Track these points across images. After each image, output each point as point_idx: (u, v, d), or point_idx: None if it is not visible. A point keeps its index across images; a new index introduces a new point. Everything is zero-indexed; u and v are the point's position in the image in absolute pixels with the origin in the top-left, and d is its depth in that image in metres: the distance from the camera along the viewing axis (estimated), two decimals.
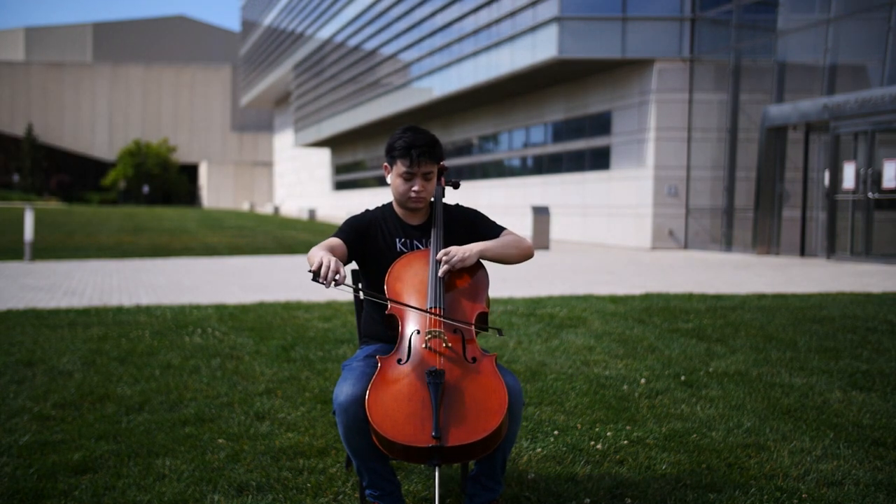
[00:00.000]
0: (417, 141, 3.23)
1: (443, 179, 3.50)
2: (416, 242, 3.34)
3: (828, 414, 4.63)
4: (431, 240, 3.29)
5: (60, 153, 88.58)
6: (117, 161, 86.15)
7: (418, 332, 3.03)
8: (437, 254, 3.22)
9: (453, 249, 3.20)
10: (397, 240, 3.34)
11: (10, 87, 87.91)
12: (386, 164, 3.34)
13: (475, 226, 3.41)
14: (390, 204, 3.42)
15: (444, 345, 2.99)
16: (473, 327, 3.08)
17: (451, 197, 3.80)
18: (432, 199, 3.41)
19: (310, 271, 2.96)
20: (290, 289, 10.84)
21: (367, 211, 3.42)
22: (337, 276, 2.93)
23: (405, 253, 3.30)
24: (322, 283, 2.92)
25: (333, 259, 2.95)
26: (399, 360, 2.98)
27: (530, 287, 11.02)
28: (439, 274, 3.15)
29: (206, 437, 4.16)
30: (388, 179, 3.33)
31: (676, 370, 5.69)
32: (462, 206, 3.48)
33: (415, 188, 3.26)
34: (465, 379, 2.91)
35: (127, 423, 4.40)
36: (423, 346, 2.99)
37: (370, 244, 3.31)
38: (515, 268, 12.39)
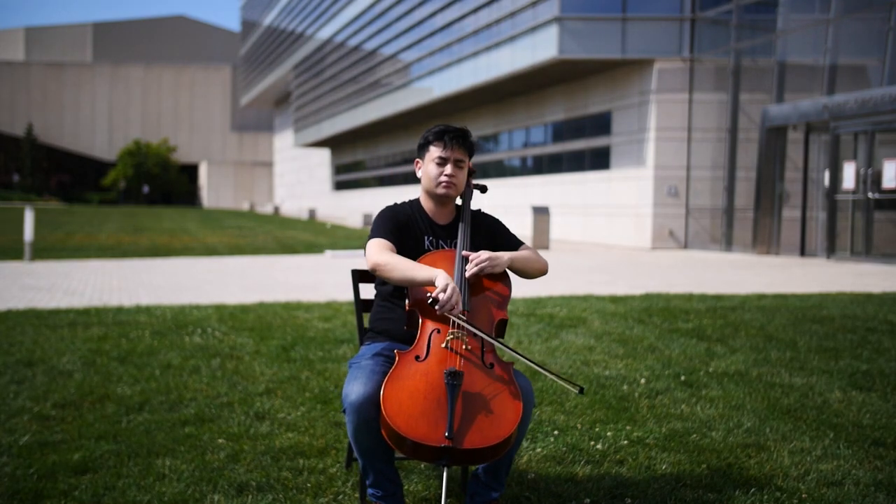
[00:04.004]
0: (451, 128, 3.32)
1: (471, 182, 3.51)
2: (441, 242, 3.34)
3: (828, 414, 4.63)
4: (458, 238, 3.28)
5: (60, 153, 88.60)
6: (117, 161, 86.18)
7: (439, 332, 3.03)
8: (463, 250, 3.21)
9: (484, 252, 3.22)
10: (426, 238, 3.34)
11: (10, 87, 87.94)
12: (417, 159, 3.37)
13: (495, 235, 3.41)
14: (418, 200, 3.42)
15: (463, 346, 2.98)
16: (495, 340, 3.07)
17: (476, 202, 3.83)
18: (458, 203, 3.42)
19: (430, 297, 2.94)
20: (290, 289, 10.84)
21: (397, 204, 3.42)
22: (453, 311, 2.95)
23: (430, 251, 3.29)
24: (436, 310, 2.94)
25: (457, 291, 2.96)
26: (417, 357, 2.97)
27: (530, 287, 11.02)
28: (467, 274, 3.15)
29: (206, 437, 4.16)
30: (419, 173, 3.36)
31: (676, 370, 5.69)
32: (485, 213, 3.50)
33: (447, 172, 3.27)
34: (483, 383, 2.92)
35: (127, 423, 4.40)
36: (443, 345, 2.98)
37: (405, 240, 3.30)
38: None
